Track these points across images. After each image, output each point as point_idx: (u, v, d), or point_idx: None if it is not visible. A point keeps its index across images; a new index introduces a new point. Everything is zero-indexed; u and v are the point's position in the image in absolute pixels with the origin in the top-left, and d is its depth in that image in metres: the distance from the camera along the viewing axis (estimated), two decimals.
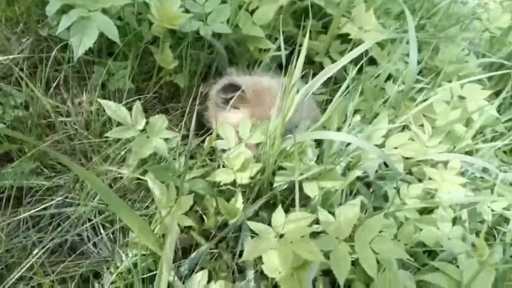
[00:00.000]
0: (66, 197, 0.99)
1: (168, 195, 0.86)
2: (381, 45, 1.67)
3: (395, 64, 1.54)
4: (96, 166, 1.01)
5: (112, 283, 0.84)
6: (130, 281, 0.85)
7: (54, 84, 1.13)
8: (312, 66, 1.69)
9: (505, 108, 1.64)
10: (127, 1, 1.03)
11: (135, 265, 0.84)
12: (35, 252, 0.89)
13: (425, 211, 1.19)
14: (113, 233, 0.98)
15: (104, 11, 1.01)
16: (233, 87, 1.15)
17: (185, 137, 1.22)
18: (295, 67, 1.00)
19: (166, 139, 0.94)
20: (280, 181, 0.98)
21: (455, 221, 1.14)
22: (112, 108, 0.89)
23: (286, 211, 1.06)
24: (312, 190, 0.95)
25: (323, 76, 1.09)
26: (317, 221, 0.91)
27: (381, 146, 1.21)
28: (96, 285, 0.87)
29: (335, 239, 0.87)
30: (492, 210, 1.21)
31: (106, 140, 1.13)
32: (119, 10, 1.11)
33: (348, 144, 1.09)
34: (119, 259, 0.86)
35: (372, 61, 1.63)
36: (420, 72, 1.59)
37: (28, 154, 0.96)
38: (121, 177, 1.02)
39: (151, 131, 0.93)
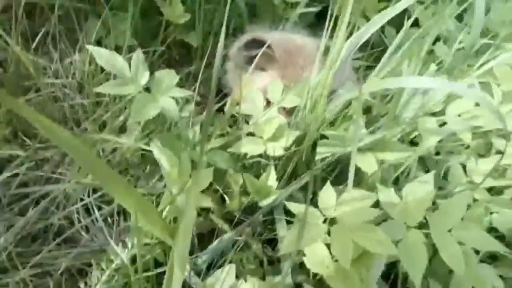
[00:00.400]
0: (53, 172, 0.78)
1: (180, 167, 0.65)
2: (424, 4, 1.43)
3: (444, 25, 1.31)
4: (90, 135, 0.80)
5: (105, 282, 0.63)
6: (129, 280, 0.64)
7: (37, 39, 0.92)
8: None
9: None
10: None
11: (134, 258, 0.63)
12: (10, 238, 0.68)
13: (494, 192, 0.96)
14: (111, 216, 0.77)
15: None
16: (258, 43, 0.93)
17: (198, 104, 1.01)
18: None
19: (176, 100, 0.73)
20: (324, 153, 0.76)
21: None
22: (105, 57, 0.68)
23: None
24: (369, 164, 0.73)
25: (363, 34, 0.85)
26: (376, 204, 0.69)
27: (441, 113, 0.99)
28: (82, 286, 0.65)
29: (403, 225, 0.65)
30: None
31: (103, 103, 0.92)
32: None
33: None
34: (114, 252, 0.65)
35: (415, 24, 1.39)
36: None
37: None
38: (121, 148, 0.81)
39: (157, 87, 0.71)
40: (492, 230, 0.87)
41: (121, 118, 0.80)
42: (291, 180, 0.79)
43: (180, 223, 0.44)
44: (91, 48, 0.69)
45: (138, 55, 0.70)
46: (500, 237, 0.88)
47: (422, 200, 0.67)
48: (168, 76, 0.73)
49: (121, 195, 0.50)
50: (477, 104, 1.03)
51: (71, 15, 0.97)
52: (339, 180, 0.82)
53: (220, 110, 1.02)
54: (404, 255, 0.62)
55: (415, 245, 0.63)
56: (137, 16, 1.00)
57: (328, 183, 0.67)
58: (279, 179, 0.77)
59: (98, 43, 1.00)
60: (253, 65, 0.91)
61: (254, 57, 0.92)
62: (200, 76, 0.94)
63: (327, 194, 0.66)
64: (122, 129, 0.87)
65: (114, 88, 0.67)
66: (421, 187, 0.69)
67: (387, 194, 0.69)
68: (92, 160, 0.46)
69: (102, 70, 0.91)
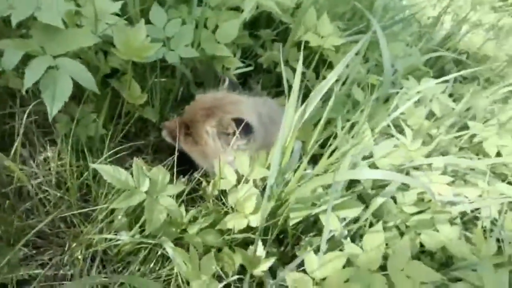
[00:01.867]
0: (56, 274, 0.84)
1: (192, 261, 0.76)
2: (335, 47, 1.67)
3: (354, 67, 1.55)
4: (87, 235, 0.87)
5: None
6: None
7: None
8: (271, 75, 1.65)
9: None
10: (96, 40, 0.88)
11: None
12: None
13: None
14: None
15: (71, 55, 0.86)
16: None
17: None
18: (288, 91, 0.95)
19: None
20: (295, 218, 0.93)
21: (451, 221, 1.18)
22: (110, 173, 0.76)
23: (296, 243, 1.03)
24: (334, 223, 0.91)
25: (317, 94, 1.04)
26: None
27: (369, 156, 1.21)
28: None
29: (367, 272, 0.85)
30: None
31: (86, 199, 0.99)
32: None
33: None
34: None
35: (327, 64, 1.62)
36: (368, 71, 1.62)
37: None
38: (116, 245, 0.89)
39: (154, 189, 0.81)
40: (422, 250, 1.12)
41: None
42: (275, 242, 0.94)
43: None
44: (98, 167, 0.77)
45: (136, 163, 0.79)
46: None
47: (379, 247, 0.87)
48: (160, 174, 0.84)
49: None
50: (396, 146, 1.28)
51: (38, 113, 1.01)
52: (304, 232, 1.00)
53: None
54: None
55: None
56: (106, 105, 1.06)
57: (311, 251, 0.84)
58: (264, 245, 0.91)
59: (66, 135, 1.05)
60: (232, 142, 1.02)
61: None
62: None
63: (311, 259, 0.83)
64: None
65: (125, 202, 0.76)
66: (376, 237, 0.89)
67: (351, 248, 0.88)
68: None
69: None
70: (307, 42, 1.51)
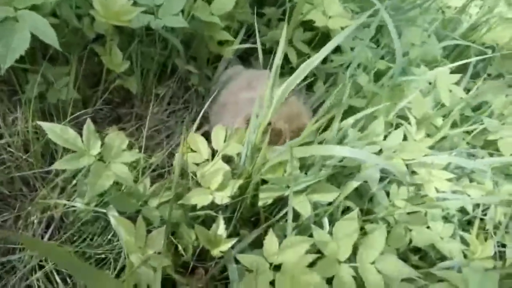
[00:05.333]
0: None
1: (136, 233, 0.71)
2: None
3: (363, 51, 1.46)
4: (42, 200, 0.83)
5: None
6: None
7: None
8: (274, 55, 1.58)
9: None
10: None
11: None
12: None
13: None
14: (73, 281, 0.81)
15: (35, 8, 0.82)
16: None
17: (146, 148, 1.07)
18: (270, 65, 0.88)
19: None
20: (265, 198, 0.86)
21: (445, 219, 1.08)
22: (57, 132, 0.71)
23: (270, 226, 0.95)
24: (304, 207, 0.83)
25: (302, 71, 0.96)
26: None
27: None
28: None
29: (335, 262, 0.77)
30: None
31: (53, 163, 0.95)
32: (54, 7, 0.91)
33: None
34: None
35: (337, 49, 1.53)
36: (382, 58, 1.52)
37: None
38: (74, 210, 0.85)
39: (108, 154, 0.76)
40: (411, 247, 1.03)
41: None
42: (239, 224, 0.88)
43: None
44: (43, 124, 0.72)
45: (88, 126, 0.74)
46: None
47: (350, 236, 0.79)
48: (117, 140, 0.78)
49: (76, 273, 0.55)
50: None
51: (10, 72, 0.98)
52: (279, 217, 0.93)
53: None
54: None
55: (346, 281, 0.75)
56: (79, 68, 1.02)
57: (272, 232, 0.77)
58: (227, 225, 0.85)
59: (40, 96, 1.02)
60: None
61: None
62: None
63: (271, 242, 0.76)
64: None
65: (70, 163, 0.71)
66: (348, 225, 0.81)
67: (320, 234, 0.80)
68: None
69: None
70: (312, 22, 1.43)
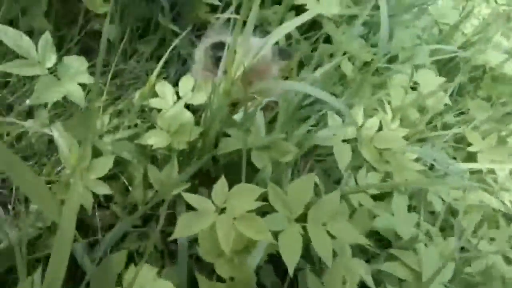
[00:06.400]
0: None
1: (80, 151, 0.67)
2: (336, 23, 1.57)
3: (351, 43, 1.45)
4: None
5: None
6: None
7: None
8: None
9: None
10: None
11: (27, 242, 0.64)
12: None
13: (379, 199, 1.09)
14: (11, 202, 0.76)
15: None
16: (223, 45, 0.95)
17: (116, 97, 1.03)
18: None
19: (83, 86, 0.74)
20: (223, 150, 0.82)
21: (409, 209, 1.05)
22: (11, 36, 0.68)
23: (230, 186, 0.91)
24: (261, 161, 0.80)
25: (269, 40, 0.93)
26: (265, 199, 0.77)
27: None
28: None
29: (285, 218, 0.74)
30: (443, 200, 1.14)
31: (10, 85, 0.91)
32: None
33: None
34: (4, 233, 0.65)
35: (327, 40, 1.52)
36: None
37: None
38: (27, 133, 0.81)
39: (64, 72, 0.72)
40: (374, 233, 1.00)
41: (28, 101, 0.79)
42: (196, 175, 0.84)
43: (66, 202, 0.48)
44: None
45: (46, 37, 0.70)
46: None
47: (304, 196, 0.76)
48: (77, 62, 0.75)
49: (15, 175, 0.51)
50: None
51: None
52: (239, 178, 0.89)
53: None
54: (282, 244, 0.70)
55: (294, 236, 0.71)
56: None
57: (223, 177, 0.73)
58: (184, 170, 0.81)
59: (11, 23, 0.98)
60: (220, 67, 0.93)
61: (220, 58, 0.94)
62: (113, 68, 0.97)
63: (220, 186, 0.72)
64: (30, 114, 0.87)
65: (18, 68, 0.67)
66: (304, 184, 0.77)
67: (275, 191, 0.77)
68: None
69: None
70: (303, 5, 1.42)
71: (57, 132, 0.68)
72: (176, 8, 1.25)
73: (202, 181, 0.92)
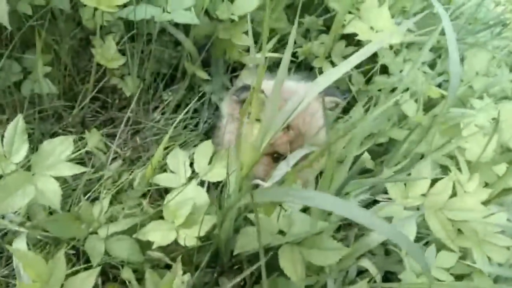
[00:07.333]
0: None
1: (51, 276, 0.52)
2: (395, 51, 1.34)
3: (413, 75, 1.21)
4: None
5: None
6: None
7: None
8: (310, 72, 1.36)
9: None
10: None
11: None
12: None
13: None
14: None
15: None
16: (249, 89, 0.82)
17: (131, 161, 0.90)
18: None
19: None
20: (242, 249, 0.64)
21: None
22: None
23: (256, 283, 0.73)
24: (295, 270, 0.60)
25: (320, 84, 0.72)
26: None
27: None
28: None
29: None
30: None
31: None
32: None
33: None
34: None
35: (385, 71, 1.30)
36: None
37: None
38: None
39: (38, 163, 0.58)
40: None
41: None
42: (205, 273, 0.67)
43: None
44: None
45: (16, 124, 0.57)
46: None
47: None
48: (62, 146, 0.61)
49: None
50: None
51: None
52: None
53: None
54: None
55: None
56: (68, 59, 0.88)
57: None
58: (192, 270, 0.64)
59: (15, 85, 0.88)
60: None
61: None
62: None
63: None
64: None
65: None
66: None
67: None
68: None
69: None
70: (355, 35, 1.21)
71: (18, 253, 0.52)
72: (205, 51, 1.09)
73: (222, 271, 0.75)
